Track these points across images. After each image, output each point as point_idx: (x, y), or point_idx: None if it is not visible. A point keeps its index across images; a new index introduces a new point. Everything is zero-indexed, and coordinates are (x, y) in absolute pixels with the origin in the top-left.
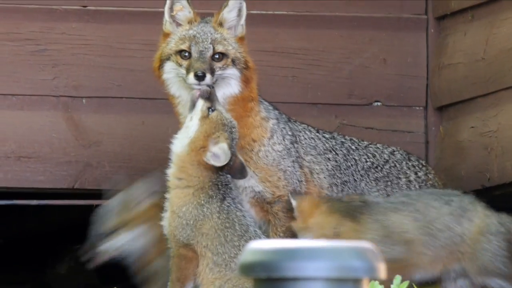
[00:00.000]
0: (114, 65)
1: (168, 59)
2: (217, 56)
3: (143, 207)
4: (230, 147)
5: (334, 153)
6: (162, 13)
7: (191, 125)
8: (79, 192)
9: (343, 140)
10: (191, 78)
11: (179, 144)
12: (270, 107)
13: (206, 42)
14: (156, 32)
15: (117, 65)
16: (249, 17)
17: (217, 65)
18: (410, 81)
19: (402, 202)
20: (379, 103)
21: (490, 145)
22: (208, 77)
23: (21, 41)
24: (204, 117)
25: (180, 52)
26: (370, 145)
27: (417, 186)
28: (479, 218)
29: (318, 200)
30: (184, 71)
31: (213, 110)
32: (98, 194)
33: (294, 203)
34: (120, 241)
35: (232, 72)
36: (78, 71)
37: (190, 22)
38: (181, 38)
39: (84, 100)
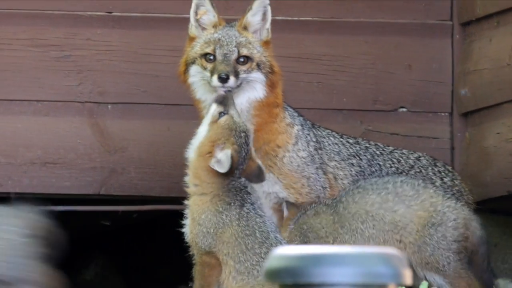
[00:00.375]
0: (139, 71)
1: (193, 62)
2: (242, 59)
3: None
4: (239, 152)
5: (358, 158)
6: (187, 19)
7: (201, 130)
8: (104, 198)
9: (368, 145)
10: (215, 80)
11: (191, 149)
12: (295, 113)
13: (230, 45)
14: (181, 38)
15: (142, 71)
16: (274, 23)
17: (242, 68)
18: (435, 87)
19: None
20: (404, 109)
21: None
22: (232, 79)
23: (46, 47)
24: (213, 122)
25: (205, 55)
26: (395, 151)
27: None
28: (423, 207)
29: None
30: (208, 74)
31: (224, 115)
32: (123, 200)
33: (286, 213)
34: None
35: (257, 76)
36: (103, 77)
37: (215, 26)
38: (206, 41)
39: (109, 106)
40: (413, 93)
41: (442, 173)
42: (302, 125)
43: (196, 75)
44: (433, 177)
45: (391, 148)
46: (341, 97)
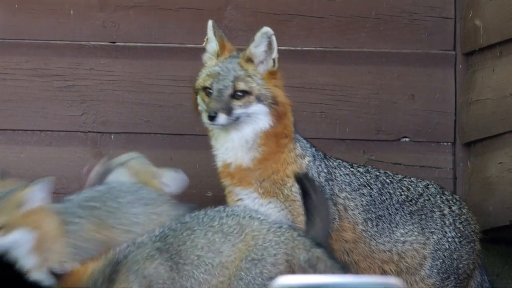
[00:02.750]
0: (143, 101)
1: (197, 93)
2: (239, 93)
3: (30, 209)
4: None
5: (369, 188)
6: (190, 48)
7: None
8: None
9: (378, 173)
10: (204, 118)
11: None
12: (308, 145)
13: (227, 80)
14: (184, 68)
15: (145, 101)
16: (278, 52)
17: (237, 103)
18: (438, 117)
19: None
20: (407, 139)
21: None
22: (222, 117)
23: (50, 77)
24: None
25: (204, 89)
26: (404, 179)
27: (451, 220)
28: (245, 241)
29: (79, 277)
30: (206, 108)
31: None
32: None
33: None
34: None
35: (258, 109)
36: (107, 106)
37: (217, 55)
38: (208, 74)
39: (112, 136)
40: (416, 123)
41: (450, 202)
42: (314, 156)
43: (201, 106)
44: (441, 205)
45: (400, 176)
46: (344, 127)
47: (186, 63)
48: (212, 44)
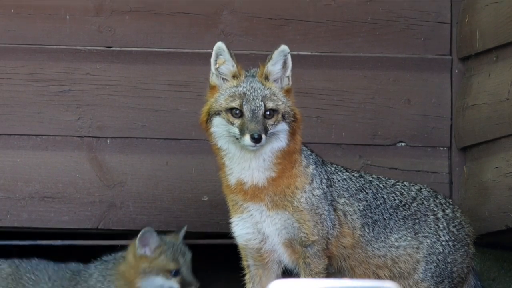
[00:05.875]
0: (138, 106)
1: (217, 114)
2: (268, 113)
3: None
4: None
5: (364, 192)
6: (186, 53)
7: None
8: (103, 232)
9: (371, 178)
10: (247, 140)
11: None
12: (309, 152)
13: (257, 100)
14: (180, 72)
15: (141, 106)
16: None
17: (269, 122)
18: (434, 122)
19: None
20: (403, 144)
21: None
22: (264, 138)
23: (46, 81)
24: None
25: (231, 110)
26: (397, 183)
27: (444, 224)
28: None
29: None
30: (237, 131)
31: None
32: (122, 234)
33: None
34: None
35: (282, 128)
36: (102, 111)
37: (234, 76)
38: (231, 95)
39: (108, 141)
40: (412, 127)
41: (444, 205)
42: (316, 163)
43: (220, 127)
44: (435, 209)
45: (393, 180)
46: (340, 131)
47: (182, 68)
48: (228, 65)
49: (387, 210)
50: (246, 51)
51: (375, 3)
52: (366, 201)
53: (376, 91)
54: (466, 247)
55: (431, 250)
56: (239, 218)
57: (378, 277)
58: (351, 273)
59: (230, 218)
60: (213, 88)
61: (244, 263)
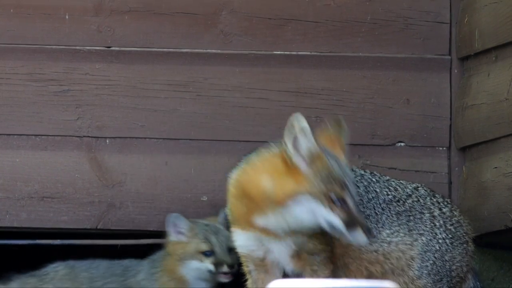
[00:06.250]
0: (138, 106)
1: (311, 196)
2: None
3: None
4: None
5: (356, 186)
6: (186, 53)
7: None
8: (102, 233)
9: (363, 172)
10: (361, 236)
11: None
12: None
13: (355, 187)
14: (179, 72)
15: (140, 106)
16: (272, 57)
17: None
18: (433, 122)
19: None
20: (402, 144)
21: None
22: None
23: (45, 81)
24: None
25: (332, 199)
26: (392, 179)
27: (441, 222)
28: None
29: None
30: (339, 222)
31: None
32: (121, 235)
33: None
34: None
35: None
36: (102, 111)
37: (319, 158)
38: (330, 181)
39: (107, 141)
40: (411, 127)
41: (441, 204)
42: None
43: (310, 211)
44: (431, 207)
45: (387, 177)
46: None
47: (182, 68)
48: (308, 144)
49: (380, 204)
50: (245, 51)
51: (374, 3)
52: (359, 195)
53: (375, 91)
54: (465, 245)
55: (426, 247)
56: (243, 231)
57: (369, 273)
58: (345, 271)
59: (231, 227)
60: (295, 169)
61: (245, 269)
